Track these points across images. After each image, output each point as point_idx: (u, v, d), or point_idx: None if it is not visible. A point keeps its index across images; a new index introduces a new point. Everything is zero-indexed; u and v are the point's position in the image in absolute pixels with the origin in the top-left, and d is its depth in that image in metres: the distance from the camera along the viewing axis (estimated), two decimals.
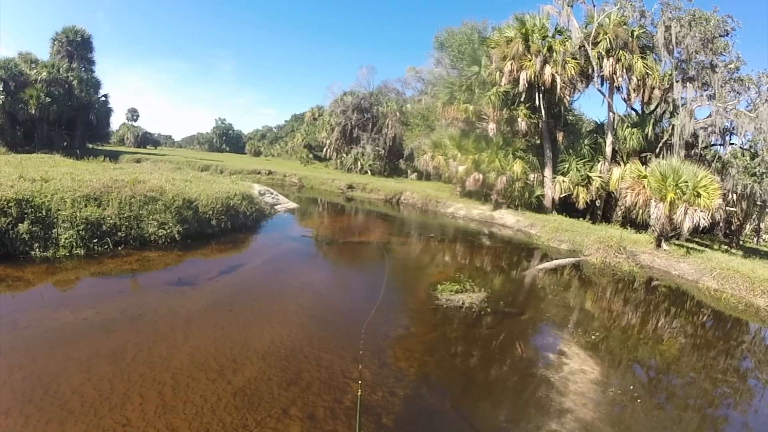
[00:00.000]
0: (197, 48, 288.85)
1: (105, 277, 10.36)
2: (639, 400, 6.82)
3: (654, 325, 11.03)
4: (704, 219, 15.19)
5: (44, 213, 11.25)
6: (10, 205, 10.78)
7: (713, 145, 24.24)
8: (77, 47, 48.03)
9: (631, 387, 7.29)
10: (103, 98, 51.15)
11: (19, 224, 10.71)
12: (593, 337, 9.37)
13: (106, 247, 11.80)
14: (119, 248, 12.00)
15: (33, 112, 38.78)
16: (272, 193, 24.08)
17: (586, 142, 25.23)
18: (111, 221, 12.25)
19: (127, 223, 12.56)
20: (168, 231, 13.11)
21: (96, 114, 49.04)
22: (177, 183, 16.41)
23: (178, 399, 5.72)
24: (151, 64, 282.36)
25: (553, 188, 24.77)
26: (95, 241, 11.69)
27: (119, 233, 12.31)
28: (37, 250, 10.78)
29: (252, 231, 16.95)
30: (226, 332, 7.85)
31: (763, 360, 9.85)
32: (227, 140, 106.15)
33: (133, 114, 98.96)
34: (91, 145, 51.33)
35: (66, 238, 11.17)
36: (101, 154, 31.35)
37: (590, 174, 24.01)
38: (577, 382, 7.11)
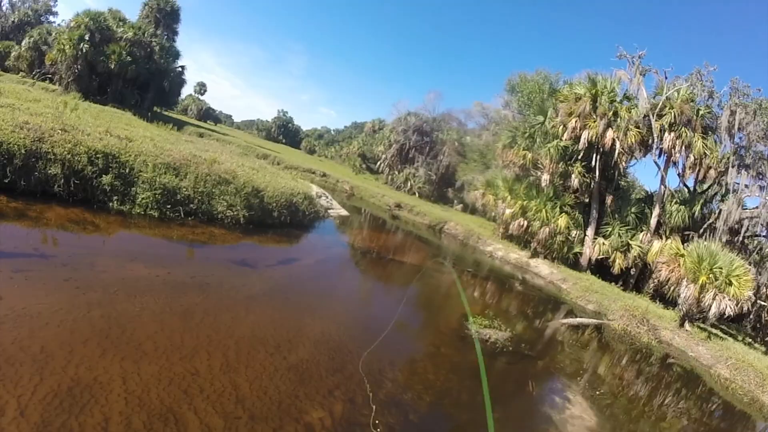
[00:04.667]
0: (274, 37, 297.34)
1: (175, 241, 11.58)
2: None
3: (660, 401, 11.65)
4: (731, 307, 15.42)
5: (127, 170, 12.21)
6: (98, 156, 11.71)
7: (758, 235, 24.25)
8: (165, 16, 49.68)
9: None
10: (180, 69, 52.80)
11: (103, 175, 11.64)
12: (597, 393, 10.37)
13: (177, 214, 12.75)
14: (189, 218, 13.01)
15: (112, 66, 40.59)
16: (327, 197, 25.64)
17: (633, 209, 25.57)
18: (186, 192, 13.20)
19: (199, 198, 13.51)
20: (235, 213, 14.07)
21: (170, 82, 50.67)
22: (246, 170, 17.46)
23: (240, 363, 6.50)
24: (227, 45, 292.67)
25: (592, 248, 25.20)
26: (169, 207, 12.64)
27: (191, 205, 13.24)
28: (115, 202, 11.74)
29: (306, 229, 18.15)
30: (283, 316, 9.06)
31: None
32: (285, 132, 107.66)
33: (201, 88, 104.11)
34: (157, 109, 52.32)
35: (143, 198, 12.13)
36: (168, 121, 33.35)
37: (631, 242, 24.33)
38: (575, 425, 8.21)
